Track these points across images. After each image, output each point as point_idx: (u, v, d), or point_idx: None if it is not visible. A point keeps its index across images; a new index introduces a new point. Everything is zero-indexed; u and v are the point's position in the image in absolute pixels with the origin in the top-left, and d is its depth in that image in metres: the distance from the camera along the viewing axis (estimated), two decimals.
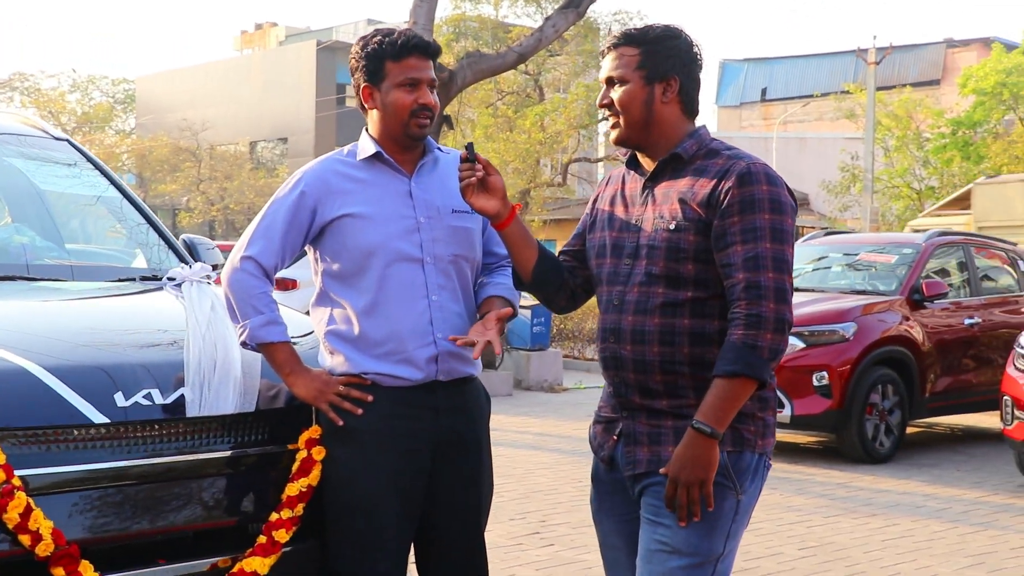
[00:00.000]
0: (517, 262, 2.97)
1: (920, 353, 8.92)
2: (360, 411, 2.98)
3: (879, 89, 30.58)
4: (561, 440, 9.21)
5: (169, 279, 3.73)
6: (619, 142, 2.84)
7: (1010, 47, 31.27)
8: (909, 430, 9.26)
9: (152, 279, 3.91)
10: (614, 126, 2.83)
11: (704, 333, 2.72)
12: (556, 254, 3.05)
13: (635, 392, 2.78)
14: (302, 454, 3.04)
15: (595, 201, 3.00)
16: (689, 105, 2.86)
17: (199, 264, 3.86)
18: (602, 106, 2.84)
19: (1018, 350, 7.79)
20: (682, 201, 2.73)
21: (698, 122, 2.88)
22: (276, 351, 3.02)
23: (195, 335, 3.09)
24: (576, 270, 3.01)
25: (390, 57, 3.02)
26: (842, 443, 8.61)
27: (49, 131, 4.49)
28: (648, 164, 2.86)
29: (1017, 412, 7.57)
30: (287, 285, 14.30)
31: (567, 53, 30.68)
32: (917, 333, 8.94)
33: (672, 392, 2.74)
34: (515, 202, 3.04)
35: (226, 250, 4.46)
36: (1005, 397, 7.75)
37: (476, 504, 3.16)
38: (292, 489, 3.00)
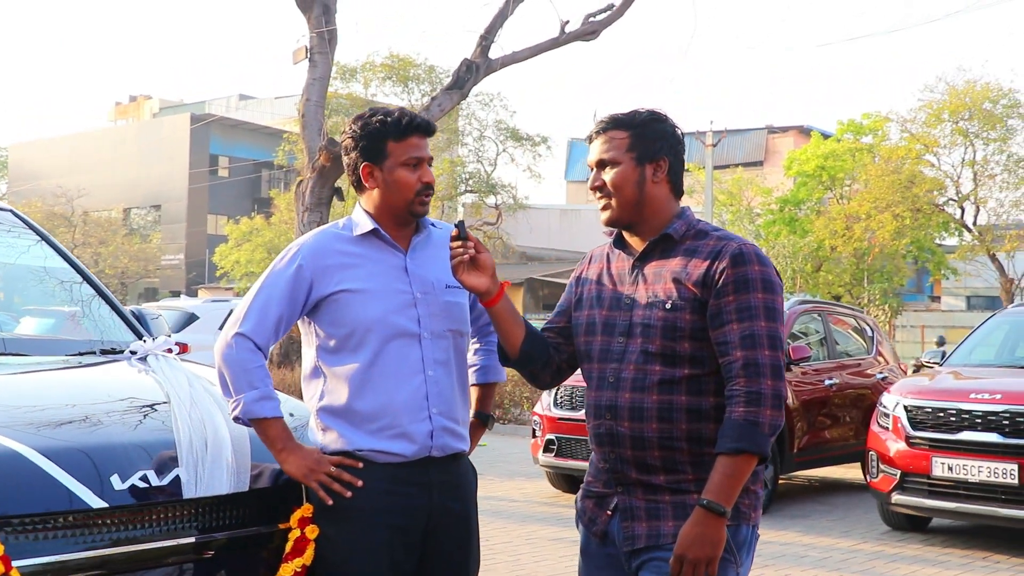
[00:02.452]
0: (504, 339, 2.82)
1: (788, 412, 9.03)
2: (349, 493, 2.77)
3: (714, 168, 31.55)
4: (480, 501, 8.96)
5: (131, 352, 3.46)
6: (611, 222, 2.73)
7: (826, 135, 32.72)
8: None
9: (111, 352, 3.60)
10: (605, 207, 2.72)
11: (700, 409, 2.61)
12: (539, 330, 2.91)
13: (632, 468, 2.65)
14: (295, 533, 2.79)
15: (579, 278, 2.88)
16: (677, 185, 2.78)
17: (161, 338, 3.60)
18: (594, 188, 2.74)
19: (881, 409, 7.96)
20: (676, 281, 2.63)
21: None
22: (269, 426, 2.78)
23: (181, 412, 2.84)
24: (561, 346, 2.87)
25: (392, 137, 2.86)
26: None
27: None
28: (636, 244, 2.75)
29: (882, 466, 7.72)
30: (181, 349, 13.76)
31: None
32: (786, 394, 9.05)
33: (670, 468, 2.62)
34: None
35: None
36: (871, 452, 7.90)
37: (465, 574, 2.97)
38: (286, 570, 2.75)
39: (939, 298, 38.07)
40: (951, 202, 28.82)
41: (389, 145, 2.86)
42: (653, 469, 2.62)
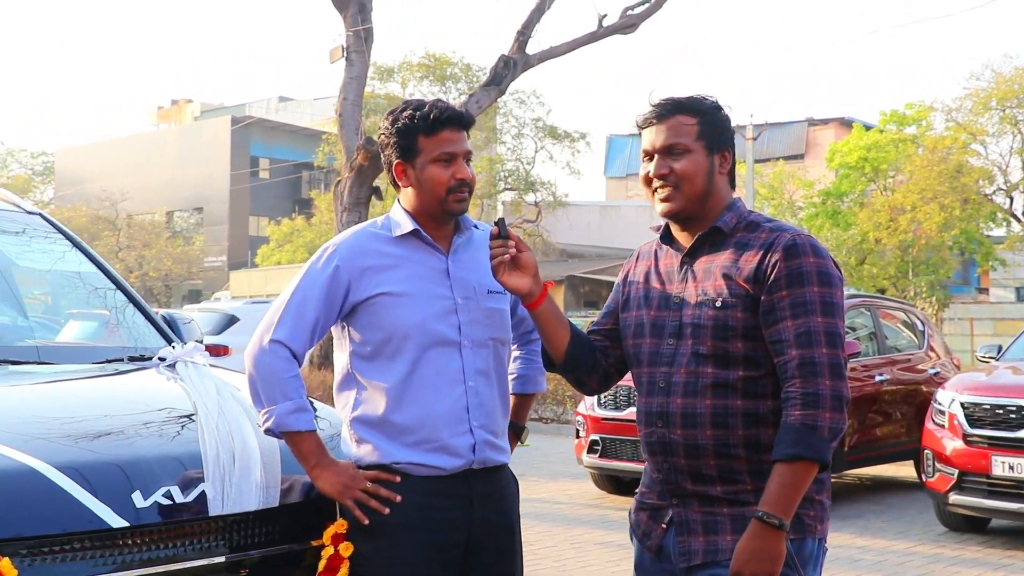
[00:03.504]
0: (549, 343, 2.63)
1: None
2: (387, 510, 2.60)
3: (755, 162, 31.14)
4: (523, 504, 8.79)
5: (160, 359, 3.32)
6: (672, 213, 2.51)
7: (868, 127, 32.19)
8: None
9: (140, 359, 3.46)
10: (668, 198, 2.49)
11: (757, 414, 2.42)
12: (586, 333, 2.72)
13: (687, 478, 2.46)
14: (328, 551, 2.63)
15: (626, 278, 2.69)
16: (732, 178, 2.59)
17: (191, 343, 3.46)
18: (658, 176, 2.49)
19: (936, 406, 7.68)
20: (727, 276, 2.44)
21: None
22: (302, 440, 2.61)
23: (208, 424, 2.68)
24: (608, 350, 2.68)
25: (423, 132, 2.67)
26: None
27: (21, 205, 4.03)
28: (685, 239, 2.56)
29: (938, 465, 7.45)
30: (219, 351, 13.65)
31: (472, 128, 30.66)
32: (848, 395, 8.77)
33: (727, 477, 2.43)
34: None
35: None
36: (926, 451, 7.63)
37: None
38: None
39: (987, 290, 37.35)
40: (999, 191, 28.24)
41: (420, 141, 2.68)
42: (709, 479, 2.43)
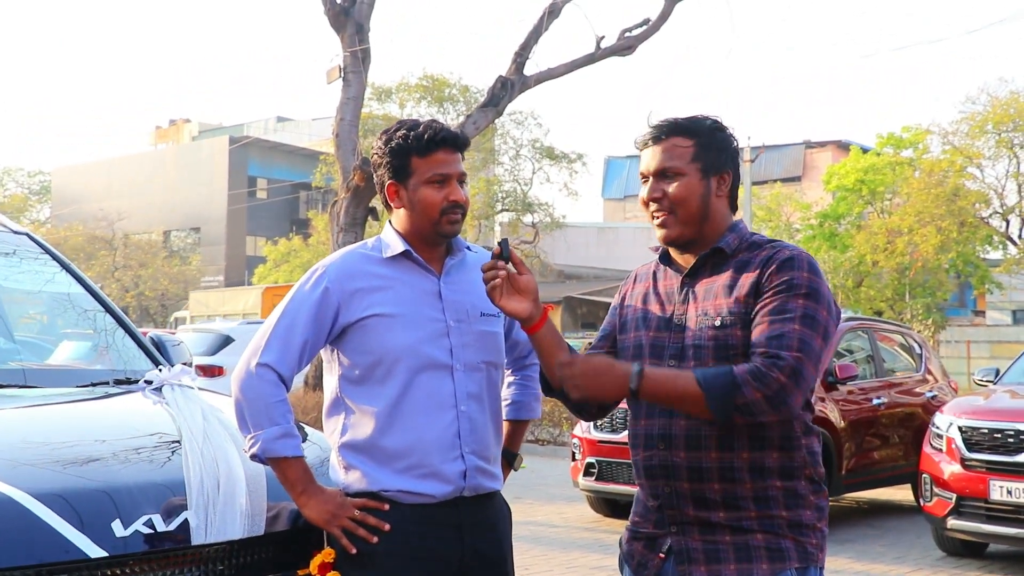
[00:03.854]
0: (548, 368, 2.57)
1: (836, 433, 8.71)
2: (375, 539, 2.54)
3: (752, 184, 31.15)
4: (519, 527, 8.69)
5: (146, 382, 3.26)
6: (670, 240, 2.47)
7: (865, 149, 32.25)
8: None
9: (126, 382, 3.40)
10: (664, 223, 2.45)
11: (763, 436, 2.35)
12: None
13: (689, 503, 2.39)
14: None
15: (623, 300, 2.63)
16: (733, 200, 2.55)
17: (178, 366, 3.39)
18: (652, 200, 2.46)
19: (933, 430, 7.62)
20: (728, 296, 2.39)
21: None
22: (289, 467, 2.55)
23: (193, 450, 2.62)
24: None
25: (416, 152, 2.62)
26: None
27: (7, 224, 3.97)
28: (685, 260, 2.51)
29: (936, 489, 7.38)
30: (213, 372, 13.58)
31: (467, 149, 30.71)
32: (833, 414, 8.74)
33: (730, 503, 2.36)
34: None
35: None
36: (924, 475, 7.56)
37: None
38: None
39: (983, 312, 37.34)
40: (995, 214, 28.27)
41: (413, 161, 2.63)
42: (712, 504, 2.37)
